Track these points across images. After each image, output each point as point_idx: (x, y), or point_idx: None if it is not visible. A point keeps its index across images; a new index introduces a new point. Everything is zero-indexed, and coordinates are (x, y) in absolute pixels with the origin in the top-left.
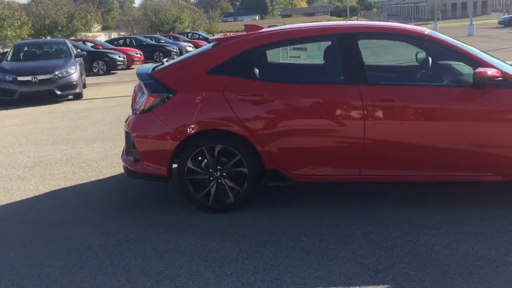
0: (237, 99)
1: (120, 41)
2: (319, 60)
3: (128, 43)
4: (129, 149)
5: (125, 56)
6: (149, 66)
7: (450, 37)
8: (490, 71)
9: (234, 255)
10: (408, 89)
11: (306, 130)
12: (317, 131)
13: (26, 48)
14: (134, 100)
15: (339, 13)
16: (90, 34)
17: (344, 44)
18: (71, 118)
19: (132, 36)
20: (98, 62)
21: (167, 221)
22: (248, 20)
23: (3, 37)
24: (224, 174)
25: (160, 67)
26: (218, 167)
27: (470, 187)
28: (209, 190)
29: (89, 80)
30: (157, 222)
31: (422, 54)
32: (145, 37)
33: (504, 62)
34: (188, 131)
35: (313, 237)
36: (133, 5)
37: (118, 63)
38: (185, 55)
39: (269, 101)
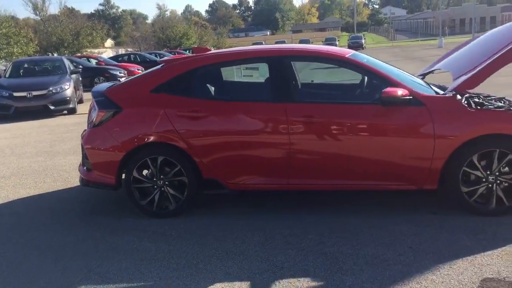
0: (176, 115)
1: (124, 57)
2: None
3: (132, 59)
4: (83, 160)
5: (125, 72)
6: (107, 84)
7: (377, 58)
8: (396, 91)
9: (162, 254)
10: (327, 106)
11: (238, 143)
12: (248, 144)
13: (24, 65)
14: (89, 115)
15: (349, 28)
16: (96, 51)
17: (273, 66)
18: (59, 132)
19: (137, 52)
20: (99, 78)
21: (115, 225)
22: (259, 35)
23: (10, 54)
24: (166, 183)
25: (112, 86)
26: (161, 177)
27: (389, 195)
28: (153, 197)
29: (89, 95)
30: (106, 226)
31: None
32: (150, 53)
33: (429, 85)
34: (133, 144)
35: (238, 239)
36: (147, 21)
37: (118, 78)
38: (136, 75)
39: (204, 116)
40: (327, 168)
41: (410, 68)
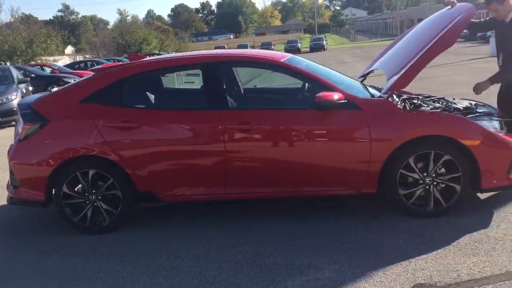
0: (107, 126)
1: (81, 64)
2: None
3: (89, 66)
4: (10, 176)
5: None
6: (36, 96)
7: (316, 61)
8: (331, 95)
9: (90, 273)
10: (264, 112)
11: (173, 154)
12: (183, 154)
13: None
14: (15, 129)
15: (311, 30)
16: (52, 58)
17: (206, 72)
18: (5, 144)
19: (95, 59)
20: (53, 86)
21: (46, 244)
22: (222, 39)
23: None
24: (99, 197)
25: (39, 97)
26: (93, 191)
27: (329, 201)
28: (86, 213)
29: None
30: (36, 245)
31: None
32: (108, 59)
33: (367, 88)
34: (62, 158)
35: (173, 253)
36: (108, 26)
37: None
38: (65, 86)
39: (136, 127)
40: (265, 175)
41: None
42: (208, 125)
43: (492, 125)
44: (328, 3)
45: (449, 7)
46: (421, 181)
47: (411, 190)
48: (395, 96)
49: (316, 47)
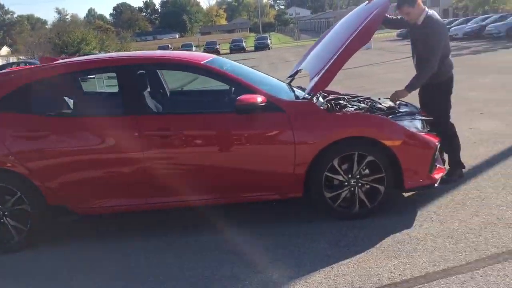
0: (12, 136)
1: (13, 65)
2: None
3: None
4: None
5: None
6: None
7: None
8: (252, 98)
9: None
10: (184, 117)
11: (86, 164)
12: (97, 164)
13: None
14: None
15: (256, 29)
16: None
17: (121, 76)
18: None
19: (29, 60)
20: None
21: None
22: (167, 38)
23: None
24: (6, 213)
25: None
26: None
27: (255, 207)
28: None
29: None
30: None
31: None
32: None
33: (292, 89)
34: None
35: (81, 271)
36: (46, 26)
37: None
38: None
39: (45, 136)
40: (188, 183)
41: None
42: (124, 132)
43: (414, 125)
44: (272, 2)
45: (367, 2)
46: (346, 183)
47: (336, 193)
48: (320, 97)
49: (261, 46)
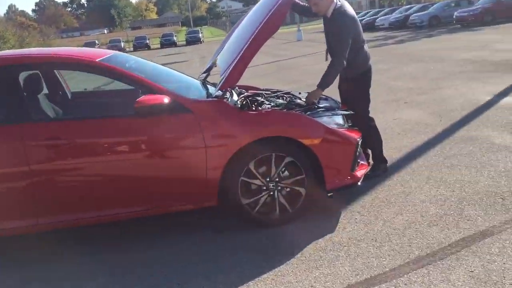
0: None
1: None
2: None
3: None
4: None
5: None
6: None
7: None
8: (153, 99)
9: None
10: (77, 123)
11: None
12: None
13: None
14: None
15: (188, 23)
16: None
17: (4, 77)
18: None
19: None
20: None
21: None
22: (95, 34)
23: None
24: None
25: None
26: None
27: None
28: None
29: None
30: None
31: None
32: None
33: (206, 87)
34: None
35: None
36: None
37: None
38: None
39: None
40: (88, 199)
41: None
42: (6, 142)
43: (334, 121)
44: None
45: None
46: (264, 187)
47: (254, 199)
48: (235, 94)
49: (193, 40)
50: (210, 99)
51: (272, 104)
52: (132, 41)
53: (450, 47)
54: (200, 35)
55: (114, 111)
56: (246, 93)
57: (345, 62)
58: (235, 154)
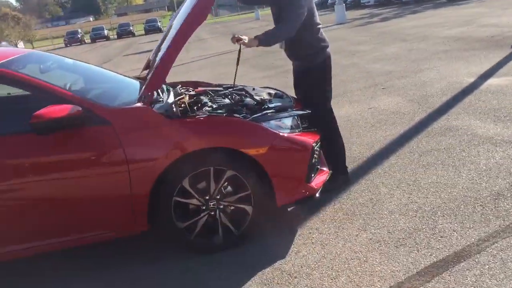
0: None
1: None
2: None
3: None
4: None
5: None
6: None
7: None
8: (54, 111)
9: None
10: None
11: None
12: None
13: None
14: None
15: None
16: None
17: None
18: None
19: None
20: None
21: None
22: (81, 22)
23: None
24: None
25: None
26: None
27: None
28: None
29: None
30: None
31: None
32: None
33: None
34: None
35: None
36: None
37: None
38: None
39: None
40: None
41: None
42: None
43: (285, 124)
44: None
45: None
46: (204, 207)
47: (192, 221)
48: (172, 95)
49: (152, 29)
50: (133, 106)
51: (215, 106)
52: (116, 28)
53: (435, 23)
54: (159, 23)
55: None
56: (188, 93)
57: (294, 33)
58: (164, 170)
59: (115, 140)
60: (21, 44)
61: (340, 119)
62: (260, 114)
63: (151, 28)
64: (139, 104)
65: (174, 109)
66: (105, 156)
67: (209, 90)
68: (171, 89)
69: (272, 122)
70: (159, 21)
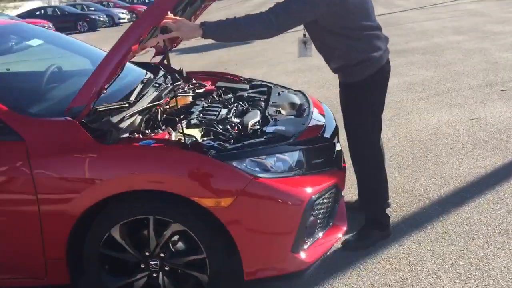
0: None
1: (41, 11)
2: None
3: (51, 13)
4: None
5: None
6: None
7: None
8: None
9: None
10: None
11: None
12: None
13: None
14: None
15: None
16: (12, 5)
17: None
18: None
19: (53, 5)
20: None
21: None
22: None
23: None
24: None
25: None
26: None
27: None
28: None
29: None
30: None
31: None
32: (70, 5)
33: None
34: None
35: None
36: None
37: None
38: None
39: None
40: None
41: None
42: None
43: (279, 160)
44: None
45: None
46: (142, 265)
47: (126, 282)
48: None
49: None
50: (56, 118)
51: (193, 122)
52: None
53: None
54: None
55: None
56: (186, 94)
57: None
58: (87, 212)
59: (24, 163)
60: None
61: (425, 131)
62: (240, 144)
63: None
64: (65, 118)
65: (114, 128)
66: (9, 184)
67: (224, 88)
68: (164, 84)
69: (265, 157)
70: None
